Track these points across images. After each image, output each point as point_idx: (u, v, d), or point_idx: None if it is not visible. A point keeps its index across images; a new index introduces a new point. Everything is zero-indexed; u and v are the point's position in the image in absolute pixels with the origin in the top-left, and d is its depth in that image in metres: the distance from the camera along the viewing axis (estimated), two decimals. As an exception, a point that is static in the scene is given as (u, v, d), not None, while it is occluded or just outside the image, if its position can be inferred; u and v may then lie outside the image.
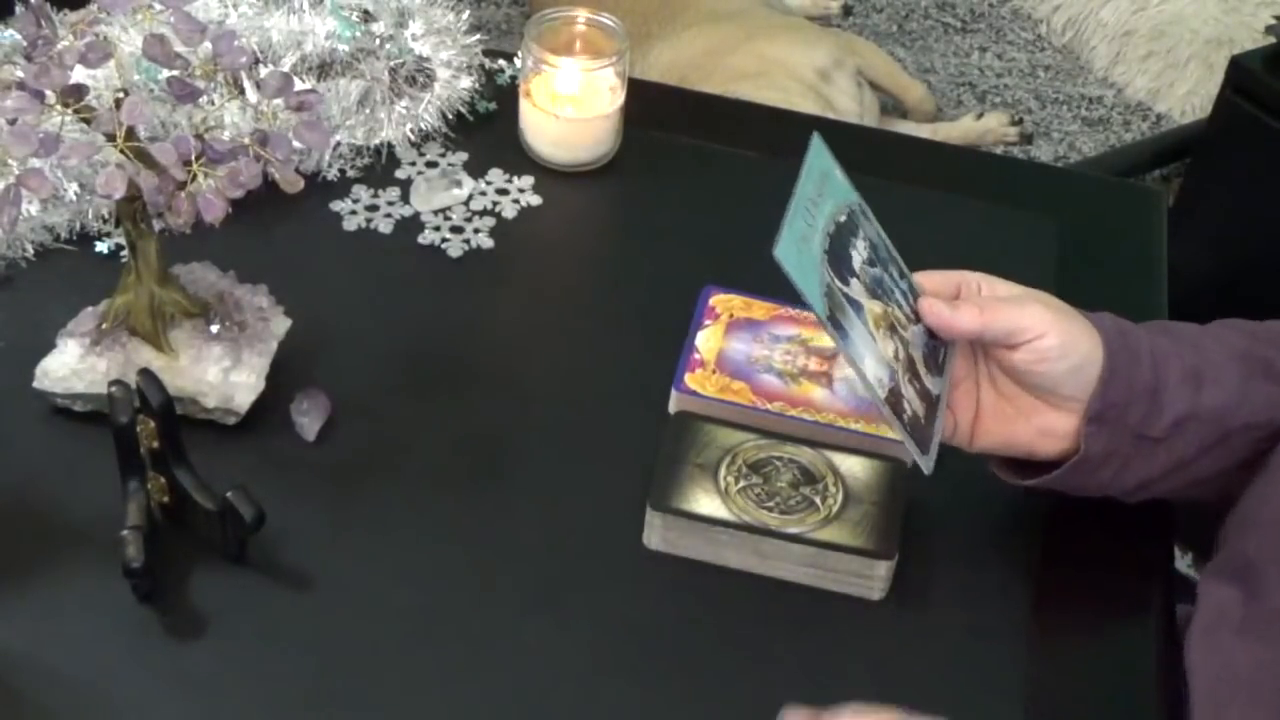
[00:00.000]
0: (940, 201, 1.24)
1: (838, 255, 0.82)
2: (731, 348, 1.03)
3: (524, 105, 1.20)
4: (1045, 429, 0.88)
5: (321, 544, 0.92)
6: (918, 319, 0.87)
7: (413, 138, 1.20)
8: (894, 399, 0.79)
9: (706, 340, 1.04)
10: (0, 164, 0.84)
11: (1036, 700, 0.88)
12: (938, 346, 0.88)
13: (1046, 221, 1.22)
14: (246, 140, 0.86)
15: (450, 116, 1.21)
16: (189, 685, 0.84)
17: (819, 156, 0.86)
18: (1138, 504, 0.94)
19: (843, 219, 0.85)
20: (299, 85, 0.93)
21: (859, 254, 0.84)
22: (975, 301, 0.86)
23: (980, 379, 0.90)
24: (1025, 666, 0.89)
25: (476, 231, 1.15)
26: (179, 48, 0.86)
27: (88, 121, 0.84)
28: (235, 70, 0.89)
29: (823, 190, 0.84)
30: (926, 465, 0.86)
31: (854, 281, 0.82)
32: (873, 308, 0.83)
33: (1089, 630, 0.93)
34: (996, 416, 0.89)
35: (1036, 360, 0.84)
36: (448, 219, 1.16)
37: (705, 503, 0.92)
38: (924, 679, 0.88)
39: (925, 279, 0.90)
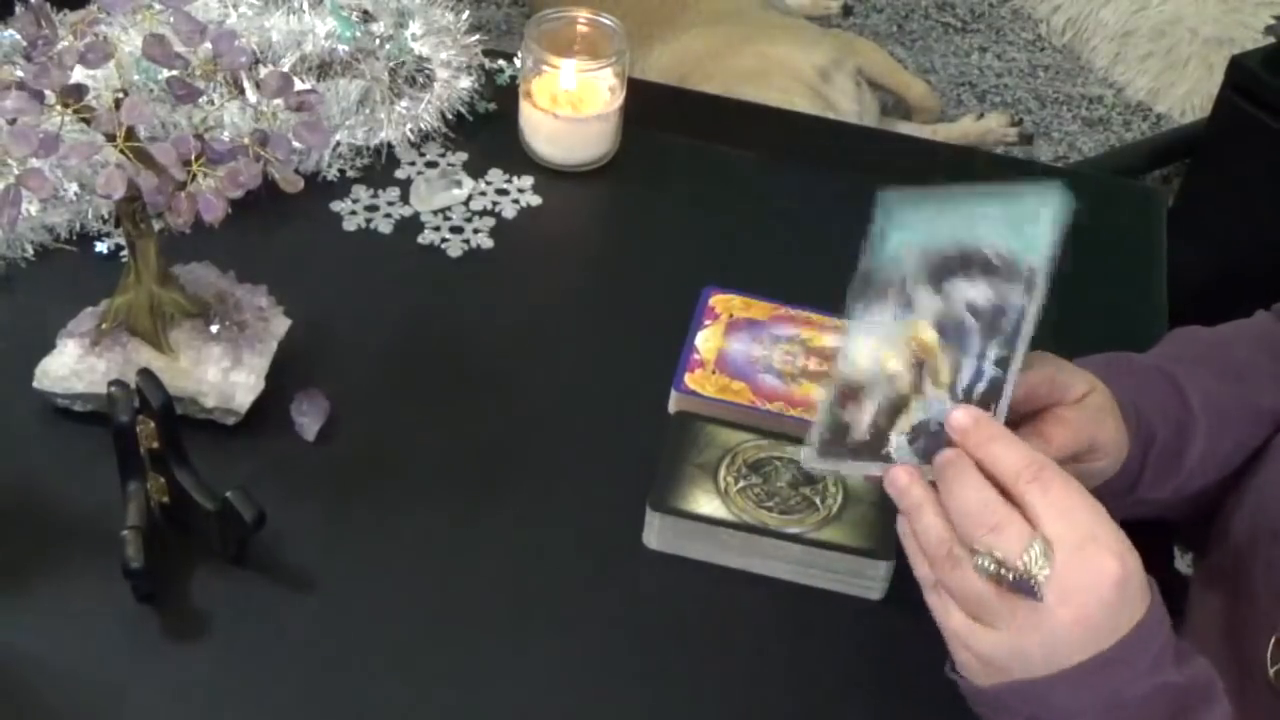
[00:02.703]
0: (940, 201, 1.24)
1: (947, 267, 0.68)
2: (731, 348, 1.03)
3: (524, 105, 1.20)
4: None
5: (321, 544, 0.92)
6: (956, 398, 0.72)
7: (412, 138, 1.20)
8: (847, 396, 0.69)
9: (706, 340, 1.04)
10: (0, 164, 0.84)
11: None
12: (935, 447, 0.71)
13: (1046, 221, 1.22)
14: (246, 140, 0.86)
15: (450, 116, 1.21)
16: (188, 685, 0.84)
17: (1059, 208, 0.70)
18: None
19: (996, 259, 0.69)
20: (299, 85, 0.93)
21: (970, 288, 0.69)
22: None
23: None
24: (1025, 666, 0.89)
25: (476, 231, 1.15)
26: (179, 48, 0.86)
27: (88, 121, 0.84)
28: (235, 70, 0.89)
29: (1021, 229, 0.69)
30: (805, 456, 0.78)
31: (928, 296, 0.68)
32: (922, 331, 0.69)
33: (1089, 630, 0.93)
34: None
35: (1086, 475, 0.83)
36: (447, 219, 1.16)
37: (705, 503, 0.92)
38: (924, 679, 0.88)
39: (1058, 429, 0.80)
